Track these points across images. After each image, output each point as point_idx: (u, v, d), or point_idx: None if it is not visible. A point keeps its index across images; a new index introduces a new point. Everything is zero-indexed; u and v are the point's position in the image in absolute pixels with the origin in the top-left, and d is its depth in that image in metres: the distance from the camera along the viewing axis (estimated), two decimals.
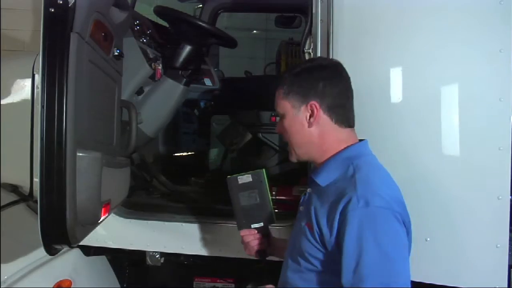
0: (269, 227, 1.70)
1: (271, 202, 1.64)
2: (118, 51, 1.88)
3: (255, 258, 1.71)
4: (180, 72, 2.47)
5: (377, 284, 1.23)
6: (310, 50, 1.99)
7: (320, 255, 1.38)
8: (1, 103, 2.28)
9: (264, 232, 1.68)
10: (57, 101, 1.43)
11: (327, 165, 1.48)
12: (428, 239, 1.82)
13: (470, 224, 1.81)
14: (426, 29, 1.83)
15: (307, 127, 1.47)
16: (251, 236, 1.68)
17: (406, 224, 1.38)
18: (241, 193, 1.63)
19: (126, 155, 2.06)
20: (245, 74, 4.04)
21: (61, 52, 1.46)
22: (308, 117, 1.46)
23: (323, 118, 1.46)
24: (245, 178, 1.63)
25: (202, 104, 3.14)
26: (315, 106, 1.45)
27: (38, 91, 2.16)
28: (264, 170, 1.64)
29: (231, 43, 2.57)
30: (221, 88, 2.99)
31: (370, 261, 1.25)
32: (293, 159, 1.54)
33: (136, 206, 2.38)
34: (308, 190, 1.56)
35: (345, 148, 1.48)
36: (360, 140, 1.54)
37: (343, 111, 1.48)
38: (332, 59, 1.54)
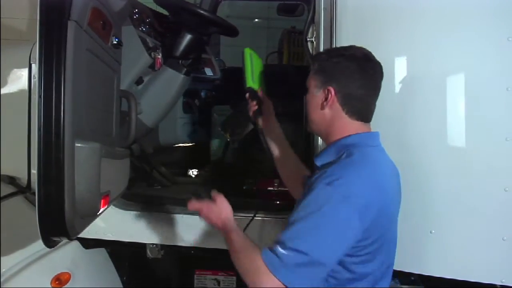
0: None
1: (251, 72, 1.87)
2: (116, 39, 1.87)
3: None
4: (180, 61, 2.47)
5: (296, 246, 1.35)
6: (313, 39, 2.00)
7: None
8: None
9: (253, 98, 1.88)
10: (54, 91, 1.42)
11: (327, 149, 1.59)
12: (433, 231, 1.82)
13: (476, 217, 1.81)
14: (433, 17, 1.83)
15: (320, 109, 1.56)
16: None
17: (380, 224, 1.45)
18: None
19: (125, 146, 2.06)
20: None
21: (58, 40, 1.44)
22: (323, 99, 1.55)
23: (336, 105, 1.55)
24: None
25: (203, 94, 3.13)
26: (331, 92, 1.54)
27: (35, 81, 2.16)
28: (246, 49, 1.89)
29: (232, 31, 2.56)
30: (222, 77, 2.98)
31: (303, 227, 1.37)
32: (309, 129, 1.68)
33: (136, 198, 2.38)
34: None
35: (347, 135, 1.55)
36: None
37: (358, 105, 1.55)
38: (369, 53, 1.57)
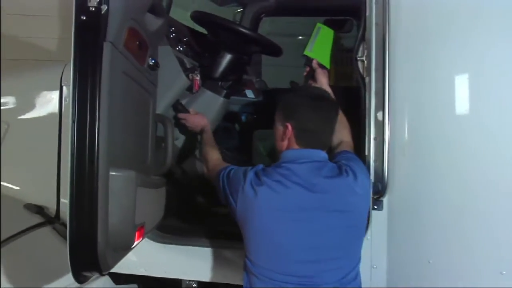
0: None
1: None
2: (153, 61, 1.92)
3: None
4: (219, 83, 2.50)
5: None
6: (364, 58, 1.99)
7: None
8: (27, 117, 2.34)
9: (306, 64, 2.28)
10: (89, 116, 1.45)
11: None
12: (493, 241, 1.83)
13: None
14: (495, 32, 1.81)
15: (281, 140, 1.90)
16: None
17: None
18: None
19: (160, 174, 2.08)
20: (291, 85, 4.03)
21: (93, 62, 1.48)
22: (282, 133, 1.89)
23: (292, 138, 1.87)
24: None
25: (243, 117, 3.15)
26: (288, 128, 1.86)
27: (66, 104, 2.20)
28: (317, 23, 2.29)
29: (276, 51, 2.58)
30: (265, 100, 2.98)
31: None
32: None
33: (172, 230, 2.38)
34: None
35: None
36: None
37: (310, 137, 1.87)
38: (324, 92, 2.00)
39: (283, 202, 1.76)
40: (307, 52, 2.22)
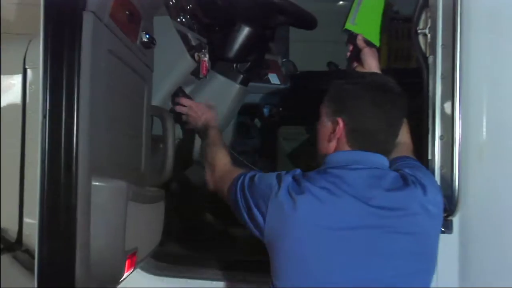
0: None
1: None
2: (147, 36, 1.92)
3: None
4: (235, 65, 2.51)
5: None
6: (427, 30, 1.99)
7: None
8: None
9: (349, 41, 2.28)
10: (64, 108, 1.46)
11: None
12: None
13: None
14: None
15: (327, 141, 1.87)
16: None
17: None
18: None
19: (159, 185, 2.09)
20: (329, 67, 4.02)
21: (70, 38, 1.48)
22: (331, 131, 1.86)
23: (342, 139, 1.84)
24: None
25: (266, 111, 3.15)
26: (339, 125, 1.83)
27: (32, 92, 2.20)
28: None
29: (309, 22, 2.57)
30: (293, 87, 2.98)
31: None
32: (316, 162, 1.93)
33: (172, 258, 2.39)
34: None
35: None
36: None
37: (366, 141, 1.83)
38: (388, 82, 1.84)
39: (330, 217, 1.71)
40: (349, 25, 2.19)
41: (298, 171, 1.81)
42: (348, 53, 2.26)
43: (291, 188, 1.72)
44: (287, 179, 1.75)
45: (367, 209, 1.71)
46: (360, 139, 1.83)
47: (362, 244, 1.70)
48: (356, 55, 2.21)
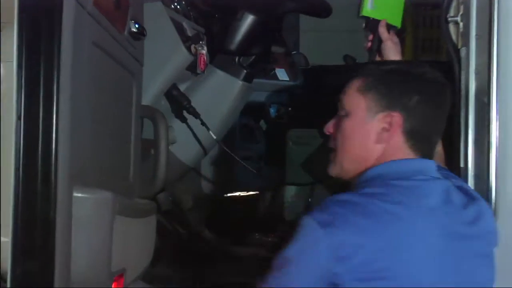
0: None
1: None
2: (137, 26, 1.92)
3: None
4: (237, 59, 2.51)
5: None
6: (459, 18, 1.99)
7: None
8: None
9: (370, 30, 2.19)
10: (42, 108, 1.46)
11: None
12: None
13: None
14: None
15: (375, 142, 1.67)
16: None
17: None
18: None
19: (150, 196, 2.09)
20: (345, 61, 4.02)
21: (49, 28, 1.48)
22: (380, 129, 1.66)
23: (395, 140, 1.67)
24: None
25: (272, 111, 3.15)
26: (396, 121, 1.65)
27: (4, 89, 2.20)
28: None
29: (321, 8, 2.58)
30: (304, 84, 2.99)
31: None
32: (333, 172, 1.78)
33: (164, 280, 2.40)
34: None
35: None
36: None
37: (421, 143, 1.69)
38: (440, 76, 1.70)
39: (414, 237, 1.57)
40: (366, 10, 2.11)
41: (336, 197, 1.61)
42: (368, 44, 2.17)
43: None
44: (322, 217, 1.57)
45: (449, 229, 1.61)
46: (421, 140, 1.68)
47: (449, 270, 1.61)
48: (378, 45, 2.14)
